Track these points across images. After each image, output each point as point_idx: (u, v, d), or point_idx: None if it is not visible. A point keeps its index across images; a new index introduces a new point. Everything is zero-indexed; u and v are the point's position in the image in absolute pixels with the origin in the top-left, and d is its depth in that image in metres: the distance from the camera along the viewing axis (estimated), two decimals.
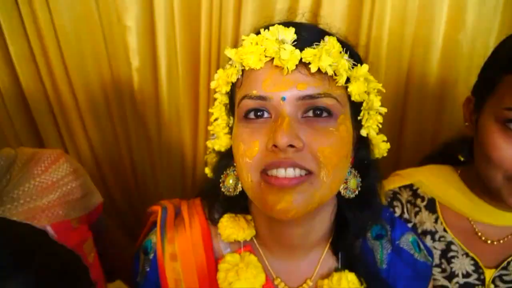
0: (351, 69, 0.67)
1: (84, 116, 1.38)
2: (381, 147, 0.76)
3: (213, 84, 0.75)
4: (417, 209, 0.96)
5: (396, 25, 1.31)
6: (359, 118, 0.72)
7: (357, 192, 0.72)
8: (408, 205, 0.96)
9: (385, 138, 0.76)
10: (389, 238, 0.81)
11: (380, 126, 0.73)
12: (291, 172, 0.62)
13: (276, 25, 0.66)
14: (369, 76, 0.69)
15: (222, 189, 0.75)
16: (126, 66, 1.34)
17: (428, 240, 0.93)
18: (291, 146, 0.61)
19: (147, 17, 1.28)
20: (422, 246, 0.85)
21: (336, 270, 0.77)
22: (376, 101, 0.70)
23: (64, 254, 0.66)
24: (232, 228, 0.76)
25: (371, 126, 0.71)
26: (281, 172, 0.62)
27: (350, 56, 0.67)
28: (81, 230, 0.84)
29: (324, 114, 0.65)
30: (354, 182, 0.72)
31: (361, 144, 0.75)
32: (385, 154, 0.78)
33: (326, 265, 0.79)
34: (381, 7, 1.27)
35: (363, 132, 0.73)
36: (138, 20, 1.28)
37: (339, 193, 0.72)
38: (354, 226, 0.75)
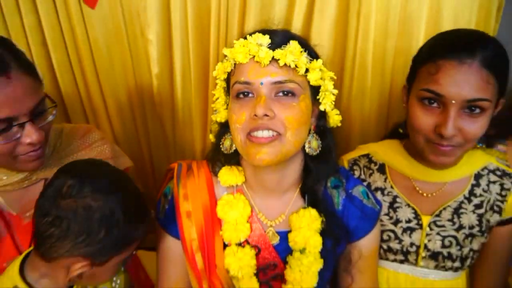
0: (309, 63, 0.92)
1: (111, 115, 1.63)
2: (335, 118, 1.03)
3: (214, 73, 1.02)
4: (371, 171, 1.21)
5: (379, 38, 1.52)
6: (317, 97, 0.97)
7: (318, 151, 0.99)
8: (365, 169, 1.22)
9: (337, 112, 1.03)
10: (344, 188, 1.08)
11: (333, 104, 0.99)
12: (266, 133, 0.89)
13: (256, 33, 0.92)
14: (323, 68, 0.96)
15: (222, 149, 1.03)
16: (148, 73, 1.59)
17: (379, 194, 1.17)
18: (266, 115, 0.88)
19: (166, 32, 1.53)
20: (370, 196, 1.10)
21: (304, 208, 1.03)
22: (330, 85, 0.97)
23: (138, 189, 0.94)
24: (228, 175, 1.04)
25: (327, 103, 0.97)
26: (259, 133, 0.89)
27: (308, 54, 0.93)
28: None
29: (289, 94, 0.91)
30: (315, 143, 0.99)
31: (321, 116, 1.02)
32: (339, 124, 1.05)
33: (296, 204, 1.05)
34: (366, 22, 1.48)
35: (322, 107, 0.98)
36: (158, 34, 1.53)
37: (305, 150, 0.98)
38: (316, 175, 1.02)
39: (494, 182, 1.12)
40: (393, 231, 1.13)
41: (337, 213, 1.05)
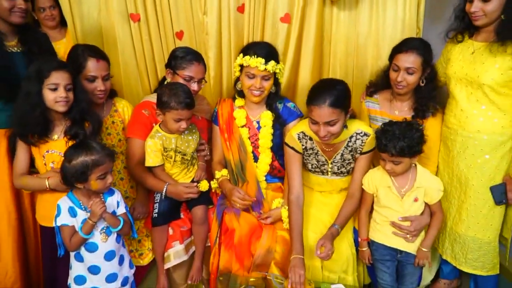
0: (276, 65, 2.14)
1: None
2: (280, 82, 2.32)
3: (235, 67, 2.26)
4: (306, 138, 2.09)
5: (343, 57, 2.65)
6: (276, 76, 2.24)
7: (272, 91, 2.26)
8: (303, 137, 2.10)
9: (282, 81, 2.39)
10: (284, 104, 2.33)
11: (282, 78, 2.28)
12: (258, 93, 2.17)
13: (259, 58, 2.11)
14: (279, 65, 2.19)
15: (237, 88, 2.28)
16: (208, 75, 2.81)
17: (310, 151, 2.12)
18: (260, 88, 2.16)
19: (218, 52, 2.75)
20: (296, 109, 2.36)
21: (266, 110, 2.30)
22: (281, 76, 2.26)
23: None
24: (238, 101, 2.32)
25: (279, 78, 2.27)
26: (254, 92, 2.17)
27: (276, 61, 2.14)
28: None
29: (266, 78, 2.16)
30: (273, 88, 2.25)
31: (276, 82, 2.28)
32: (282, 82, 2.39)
33: (264, 109, 2.32)
34: (334, 47, 2.62)
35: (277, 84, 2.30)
36: (215, 53, 2.74)
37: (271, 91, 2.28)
38: (271, 98, 2.30)
39: (357, 139, 2.04)
40: (315, 164, 2.20)
41: (280, 113, 2.31)
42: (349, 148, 2.07)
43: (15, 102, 1.81)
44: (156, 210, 2.10)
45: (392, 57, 2.09)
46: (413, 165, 1.87)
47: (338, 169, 2.16)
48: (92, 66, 2.05)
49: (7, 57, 1.93)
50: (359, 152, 2.08)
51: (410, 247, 1.91)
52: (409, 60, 2.00)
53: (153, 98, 2.17)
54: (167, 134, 2.06)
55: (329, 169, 2.17)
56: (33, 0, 2.63)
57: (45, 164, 1.85)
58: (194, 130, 2.18)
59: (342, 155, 2.10)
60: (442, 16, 2.32)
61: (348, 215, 2.02)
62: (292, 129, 2.15)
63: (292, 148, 2.11)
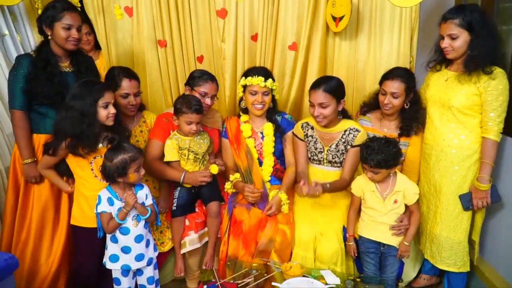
0: (273, 83, 2.60)
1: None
2: (276, 98, 2.77)
3: (238, 88, 2.77)
4: (308, 127, 2.62)
5: (345, 80, 3.03)
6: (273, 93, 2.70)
7: (271, 105, 2.74)
8: (306, 126, 2.64)
9: (277, 96, 2.81)
10: (282, 117, 2.80)
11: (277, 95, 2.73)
12: (260, 106, 2.63)
13: (260, 77, 2.59)
14: (275, 83, 2.67)
15: (241, 106, 2.77)
16: (224, 94, 3.22)
17: (310, 138, 2.62)
18: (262, 102, 2.62)
19: (234, 74, 3.16)
20: (294, 120, 2.83)
21: (267, 122, 2.76)
22: (276, 93, 2.74)
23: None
24: (243, 117, 2.77)
25: (275, 95, 2.74)
26: (257, 106, 2.63)
27: (272, 80, 2.64)
28: None
29: (266, 93, 2.63)
30: (271, 103, 2.72)
31: (274, 99, 2.75)
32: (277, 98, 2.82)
33: (265, 121, 2.77)
34: (336, 71, 3.02)
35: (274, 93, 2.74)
36: (230, 75, 3.16)
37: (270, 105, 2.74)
38: (270, 112, 2.76)
39: (350, 133, 2.52)
40: (313, 152, 2.63)
41: (279, 123, 2.73)
42: (343, 140, 2.55)
43: (63, 120, 2.10)
44: (175, 204, 2.48)
45: (381, 83, 2.48)
46: (394, 172, 2.22)
47: (332, 158, 2.58)
48: (126, 85, 2.49)
49: (61, 75, 2.35)
50: (350, 144, 2.53)
51: (391, 241, 2.23)
52: (394, 86, 2.40)
53: (172, 110, 2.59)
54: (182, 137, 2.49)
55: (325, 157, 2.58)
56: None
57: (92, 170, 2.19)
58: (205, 136, 2.60)
59: (337, 145, 2.56)
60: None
61: (338, 186, 2.53)
62: (299, 121, 2.73)
63: (297, 136, 2.67)
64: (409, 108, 2.46)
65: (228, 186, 2.64)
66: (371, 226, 2.27)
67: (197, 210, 2.56)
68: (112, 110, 2.15)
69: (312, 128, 2.63)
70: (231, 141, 2.74)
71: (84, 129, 2.07)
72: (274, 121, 2.75)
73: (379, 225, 2.25)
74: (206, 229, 2.54)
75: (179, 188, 2.54)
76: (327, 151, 2.59)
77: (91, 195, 2.17)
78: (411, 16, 2.92)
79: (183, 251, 2.46)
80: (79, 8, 2.58)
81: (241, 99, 2.75)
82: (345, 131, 2.55)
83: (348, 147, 2.54)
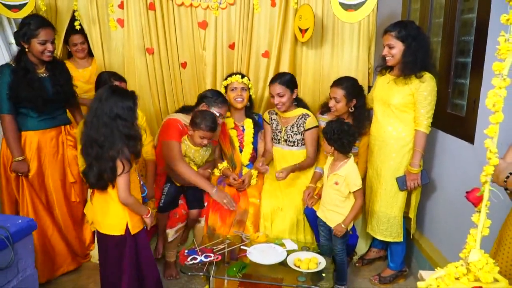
0: (249, 81, 3.17)
1: None
2: (253, 98, 3.46)
3: (221, 90, 3.29)
4: (273, 114, 3.29)
5: (311, 84, 3.56)
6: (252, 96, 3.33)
7: (248, 104, 3.34)
8: (272, 113, 3.30)
9: (253, 95, 3.43)
10: (259, 117, 3.43)
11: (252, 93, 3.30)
12: (240, 99, 3.23)
13: (238, 75, 3.22)
14: (250, 83, 3.29)
15: None
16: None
17: (274, 122, 3.26)
18: (241, 96, 3.23)
19: (214, 79, 3.67)
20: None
21: (246, 119, 3.37)
22: (253, 93, 3.39)
23: None
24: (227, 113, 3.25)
25: (252, 94, 3.38)
26: (238, 100, 3.24)
27: (248, 79, 3.23)
28: None
29: (245, 89, 3.25)
30: (248, 102, 3.33)
31: (251, 102, 3.39)
32: (253, 97, 3.42)
33: (244, 117, 3.38)
34: (304, 76, 3.53)
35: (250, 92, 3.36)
36: (210, 80, 3.66)
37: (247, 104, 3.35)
38: (249, 108, 3.38)
39: (301, 118, 3.08)
40: (275, 133, 3.19)
41: (257, 121, 3.33)
42: (297, 123, 3.15)
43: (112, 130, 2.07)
44: (162, 201, 2.87)
45: (330, 88, 3.02)
46: (346, 160, 2.67)
47: (288, 137, 3.17)
48: None
49: (39, 80, 2.75)
50: (302, 127, 3.12)
51: (330, 222, 2.62)
52: (336, 92, 2.94)
53: (178, 116, 3.01)
54: (191, 145, 2.87)
55: (283, 136, 3.20)
56: (67, 36, 3.50)
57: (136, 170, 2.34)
58: (209, 147, 2.99)
59: (292, 126, 3.16)
60: None
61: (305, 165, 3.09)
62: (267, 110, 3.37)
63: (265, 120, 3.32)
64: (355, 111, 2.99)
65: (216, 172, 3.17)
66: (321, 206, 2.73)
67: (180, 202, 2.93)
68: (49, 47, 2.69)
69: (276, 114, 3.25)
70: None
71: (139, 138, 2.17)
72: (253, 119, 3.34)
73: (324, 205, 2.68)
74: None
75: (168, 184, 2.91)
76: (284, 131, 3.18)
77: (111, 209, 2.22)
78: (368, 28, 3.46)
79: (170, 239, 2.86)
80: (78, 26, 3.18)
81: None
82: (299, 116, 3.14)
83: (301, 129, 3.12)
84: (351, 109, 2.99)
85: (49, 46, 2.73)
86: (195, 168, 2.92)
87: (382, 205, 2.76)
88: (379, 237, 2.81)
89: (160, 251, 3.00)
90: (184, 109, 3.21)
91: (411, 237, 2.92)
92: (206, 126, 2.75)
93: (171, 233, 2.88)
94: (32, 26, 2.67)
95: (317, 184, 3.02)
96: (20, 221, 2.15)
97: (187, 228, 3.04)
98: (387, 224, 2.76)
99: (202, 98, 3.05)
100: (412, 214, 2.82)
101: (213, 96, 3.01)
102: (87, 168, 2.16)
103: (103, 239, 2.27)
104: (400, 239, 2.78)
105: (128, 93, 2.20)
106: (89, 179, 2.16)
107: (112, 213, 2.20)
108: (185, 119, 2.97)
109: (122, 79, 3.01)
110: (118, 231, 2.20)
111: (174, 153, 2.80)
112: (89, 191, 3.01)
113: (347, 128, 2.54)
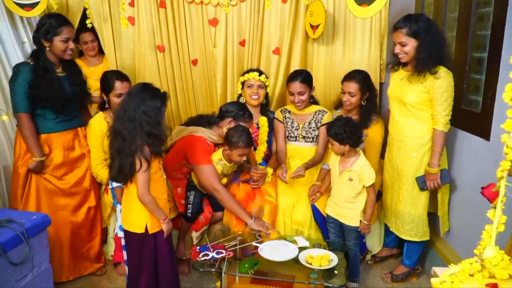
0: (266, 79, 3.23)
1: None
2: (269, 95, 3.49)
3: (238, 86, 3.36)
4: (286, 112, 3.26)
5: (323, 80, 3.55)
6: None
7: (264, 101, 3.40)
8: (284, 111, 3.27)
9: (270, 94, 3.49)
10: (274, 114, 3.37)
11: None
12: (255, 97, 3.29)
13: (255, 72, 3.29)
14: (268, 80, 3.33)
15: (240, 101, 3.36)
16: (216, 93, 3.74)
17: (288, 120, 3.23)
18: (257, 93, 3.28)
19: (224, 75, 3.68)
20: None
21: (261, 117, 3.37)
22: (269, 91, 3.48)
23: None
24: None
25: (268, 92, 3.46)
26: (254, 97, 3.30)
27: (265, 77, 3.28)
28: None
29: (261, 87, 3.30)
30: (264, 99, 3.38)
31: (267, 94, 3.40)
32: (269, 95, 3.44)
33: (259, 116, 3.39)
34: (315, 74, 3.53)
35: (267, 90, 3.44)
36: (221, 77, 3.68)
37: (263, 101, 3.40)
38: (264, 107, 3.42)
39: (318, 114, 3.12)
40: (291, 130, 3.17)
41: (271, 119, 3.31)
42: (314, 119, 3.16)
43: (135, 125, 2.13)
44: (190, 211, 2.87)
45: (342, 84, 3.02)
46: (358, 155, 2.62)
47: (306, 134, 3.15)
48: (118, 86, 2.91)
49: (59, 80, 2.77)
50: (320, 122, 3.13)
51: (347, 221, 2.66)
52: (350, 86, 2.95)
53: (202, 133, 2.87)
54: (226, 163, 2.84)
55: (300, 133, 3.16)
56: (77, 34, 3.50)
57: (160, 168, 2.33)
58: None
59: (309, 123, 3.16)
60: None
61: (315, 161, 3.10)
62: (279, 109, 3.33)
63: (277, 119, 3.25)
64: (366, 104, 3.02)
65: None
66: (331, 204, 2.75)
67: (204, 204, 2.96)
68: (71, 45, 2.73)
69: (289, 112, 3.24)
70: None
71: (165, 134, 2.24)
72: (268, 117, 3.33)
73: (336, 202, 2.69)
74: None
75: (193, 192, 2.91)
76: (302, 127, 3.17)
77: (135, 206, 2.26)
78: (380, 23, 3.46)
79: (195, 242, 2.91)
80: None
81: (240, 95, 3.35)
82: (315, 112, 3.17)
83: (319, 124, 3.13)
84: (364, 102, 3.01)
85: (70, 44, 2.77)
86: (225, 180, 2.93)
87: (406, 205, 2.75)
88: (405, 237, 2.80)
89: (183, 252, 3.02)
90: (201, 118, 3.13)
91: (441, 235, 2.88)
92: (244, 143, 2.72)
93: (196, 236, 2.93)
94: (54, 24, 2.70)
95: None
96: (35, 217, 2.20)
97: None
98: (411, 224, 2.75)
99: (226, 112, 3.01)
100: (440, 212, 2.79)
101: (239, 111, 2.98)
102: (111, 160, 2.25)
103: (127, 234, 2.36)
104: (426, 238, 2.77)
105: (159, 93, 2.26)
106: (111, 170, 2.23)
107: (134, 210, 2.26)
108: (210, 135, 2.90)
109: (124, 79, 3.00)
110: (139, 229, 2.25)
111: (212, 180, 2.76)
112: (103, 187, 3.11)
113: (352, 122, 2.62)
